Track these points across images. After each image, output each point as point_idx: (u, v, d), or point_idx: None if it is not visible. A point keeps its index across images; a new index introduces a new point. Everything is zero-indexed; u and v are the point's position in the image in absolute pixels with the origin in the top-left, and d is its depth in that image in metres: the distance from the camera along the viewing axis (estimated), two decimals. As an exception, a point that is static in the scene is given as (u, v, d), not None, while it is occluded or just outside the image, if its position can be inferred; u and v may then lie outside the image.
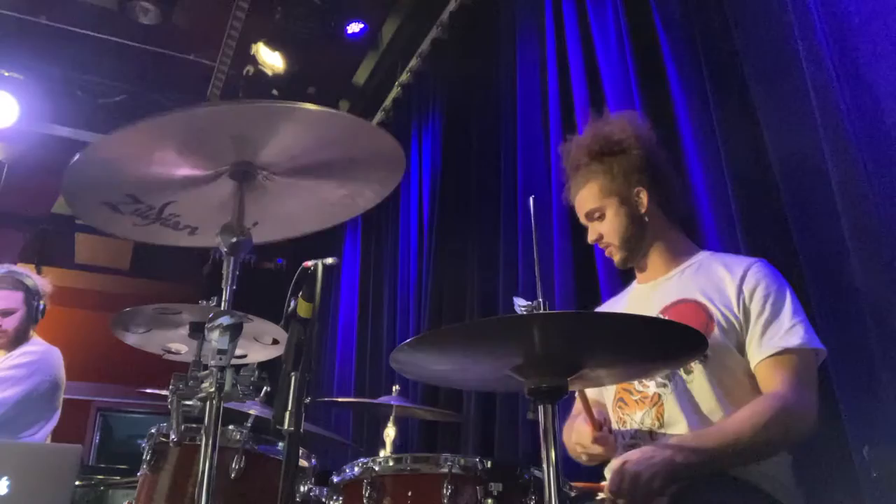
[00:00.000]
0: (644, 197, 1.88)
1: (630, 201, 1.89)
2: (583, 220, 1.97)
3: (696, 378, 1.68)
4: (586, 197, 1.92)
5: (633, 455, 1.51)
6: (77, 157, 1.24)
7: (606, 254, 1.96)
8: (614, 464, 1.53)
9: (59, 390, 3.22)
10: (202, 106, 1.35)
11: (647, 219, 1.89)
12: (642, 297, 1.92)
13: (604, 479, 1.68)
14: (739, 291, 1.72)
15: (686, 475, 1.51)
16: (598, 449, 1.69)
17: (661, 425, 1.70)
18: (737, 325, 1.70)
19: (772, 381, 1.63)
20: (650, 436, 1.71)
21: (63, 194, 1.32)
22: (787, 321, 1.66)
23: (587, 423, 1.71)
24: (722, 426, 1.59)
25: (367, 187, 1.46)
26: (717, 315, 1.71)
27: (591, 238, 1.95)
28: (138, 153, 1.30)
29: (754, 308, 1.70)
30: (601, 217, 1.91)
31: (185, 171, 1.35)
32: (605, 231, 1.90)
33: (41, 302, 3.29)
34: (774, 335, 1.66)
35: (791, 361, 1.63)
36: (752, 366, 1.67)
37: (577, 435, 1.74)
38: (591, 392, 1.84)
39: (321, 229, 1.56)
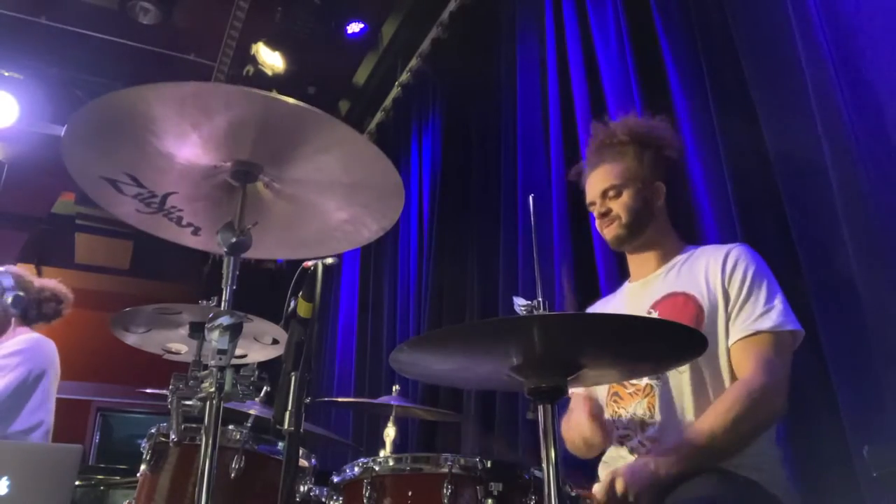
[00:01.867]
0: (662, 191, 1.92)
1: (650, 190, 1.91)
2: (593, 197, 1.95)
3: (686, 369, 1.70)
4: (609, 172, 1.92)
5: (621, 471, 1.52)
6: (85, 107, 1.20)
7: (604, 230, 1.93)
8: (604, 478, 1.54)
9: (53, 380, 3.21)
10: (225, 83, 1.30)
11: (656, 212, 1.92)
12: (634, 295, 1.94)
13: (598, 479, 1.68)
14: (723, 272, 1.75)
15: (671, 482, 1.52)
16: (597, 436, 1.72)
17: (652, 416, 1.72)
18: (722, 312, 1.72)
19: (743, 365, 1.65)
20: (641, 427, 1.73)
21: (63, 149, 1.27)
22: (762, 303, 1.68)
23: (584, 411, 1.75)
24: (698, 428, 1.60)
25: (368, 216, 1.45)
26: (706, 305, 1.74)
27: (598, 210, 1.93)
28: (145, 120, 1.24)
29: (733, 290, 1.73)
30: (617, 196, 1.90)
31: (186, 153, 1.31)
32: (617, 206, 1.90)
33: (16, 294, 3.27)
34: (748, 317, 1.68)
35: (762, 344, 1.65)
36: (729, 346, 1.69)
37: (577, 425, 1.77)
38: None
39: (321, 257, 1.52)
